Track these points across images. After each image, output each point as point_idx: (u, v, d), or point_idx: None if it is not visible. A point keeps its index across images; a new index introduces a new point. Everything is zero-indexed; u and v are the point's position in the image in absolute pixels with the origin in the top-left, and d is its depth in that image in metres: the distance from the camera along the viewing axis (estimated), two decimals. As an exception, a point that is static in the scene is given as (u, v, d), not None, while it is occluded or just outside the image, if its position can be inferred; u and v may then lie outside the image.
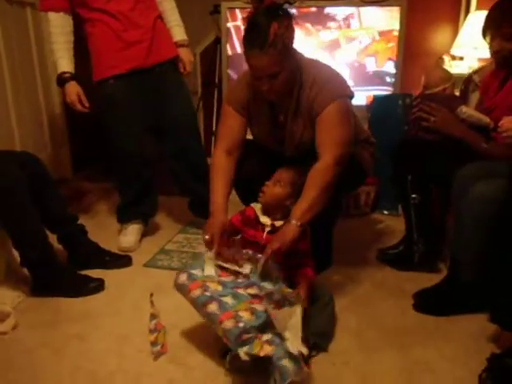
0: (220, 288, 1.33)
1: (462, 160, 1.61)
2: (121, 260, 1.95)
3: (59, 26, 1.93)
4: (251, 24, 1.41)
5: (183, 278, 1.37)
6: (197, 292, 1.31)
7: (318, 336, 1.38)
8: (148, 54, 1.96)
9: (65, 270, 1.77)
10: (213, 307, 1.27)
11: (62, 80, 1.97)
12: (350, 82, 2.22)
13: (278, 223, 1.48)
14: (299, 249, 1.48)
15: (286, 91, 1.53)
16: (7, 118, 2.57)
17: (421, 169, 1.79)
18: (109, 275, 1.83)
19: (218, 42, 3.04)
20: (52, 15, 1.92)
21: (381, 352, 1.42)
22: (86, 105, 1.99)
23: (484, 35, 1.70)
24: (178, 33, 2.12)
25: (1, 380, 1.31)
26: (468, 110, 1.74)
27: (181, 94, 2.11)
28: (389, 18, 2.77)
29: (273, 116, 1.65)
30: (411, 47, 2.82)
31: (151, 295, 1.50)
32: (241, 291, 1.33)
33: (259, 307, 1.26)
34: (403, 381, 1.31)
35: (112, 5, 1.89)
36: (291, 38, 1.45)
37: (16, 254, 1.72)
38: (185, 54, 2.13)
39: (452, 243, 1.63)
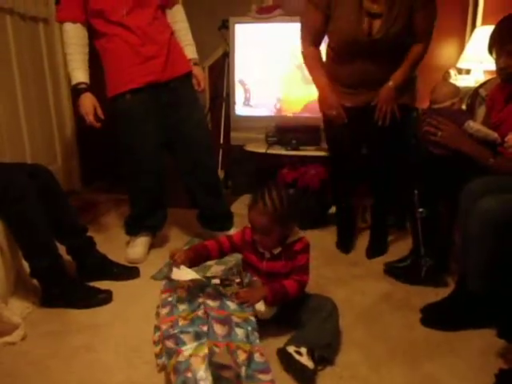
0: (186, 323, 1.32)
1: (469, 175, 1.62)
2: (129, 272, 1.97)
3: (75, 37, 1.93)
4: None
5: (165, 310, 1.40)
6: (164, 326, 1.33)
7: (323, 348, 1.38)
8: (164, 69, 1.97)
9: (74, 282, 1.79)
10: (169, 343, 1.27)
11: (77, 91, 1.96)
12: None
13: (276, 250, 1.51)
14: (296, 265, 1.50)
15: None
16: (18, 131, 2.62)
17: (428, 183, 1.80)
18: (117, 287, 1.84)
19: (226, 56, 3.09)
20: (68, 26, 1.92)
21: (388, 366, 1.41)
22: (102, 117, 1.98)
23: (490, 51, 1.72)
24: (191, 52, 2.16)
25: (10, 390, 1.32)
26: (475, 125, 1.75)
27: (195, 109, 2.12)
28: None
29: (362, 5, 1.88)
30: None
31: (157, 307, 1.51)
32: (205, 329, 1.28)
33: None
34: (411, 396, 1.30)
35: (130, 19, 1.90)
36: None
37: (26, 264, 1.74)
38: (198, 72, 2.17)
39: (459, 257, 1.63)
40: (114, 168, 3.36)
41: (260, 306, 1.44)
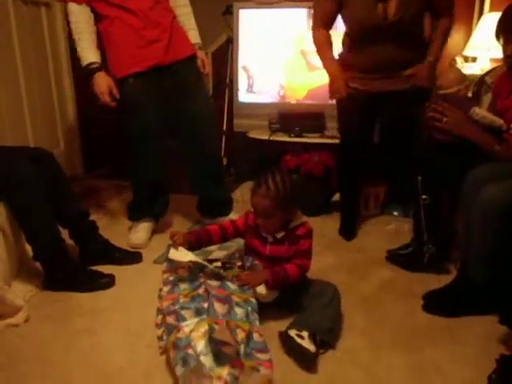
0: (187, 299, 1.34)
1: (474, 161, 1.61)
2: (131, 256, 1.97)
3: (82, 16, 1.90)
4: None
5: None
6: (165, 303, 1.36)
7: (325, 333, 1.38)
8: (166, 52, 1.95)
9: (76, 266, 1.79)
10: (170, 319, 1.30)
11: (89, 71, 1.91)
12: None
13: (279, 234, 1.51)
14: (298, 249, 1.50)
15: None
16: (21, 116, 2.61)
17: (432, 170, 1.79)
18: (119, 271, 1.85)
19: (229, 42, 3.06)
20: (73, 6, 1.89)
21: (389, 351, 1.41)
22: (117, 96, 1.93)
23: (497, 38, 1.69)
24: (194, 36, 2.14)
25: (12, 371, 1.33)
26: (481, 112, 1.73)
27: (199, 93, 2.10)
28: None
29: None
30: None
31: (160, 290, 1.52)
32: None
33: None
34: (412, 381, 1.30)
35: (132, 2, 1.88)
36: None
37: (29, 248, 1.74)
38: (202, 56, 2.14)
39: (462, 244, 1.63)
40: (116, 154, 3.40)
41: (261, 289, 1.45)
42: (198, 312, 1.26)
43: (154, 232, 2.24)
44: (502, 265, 1.41)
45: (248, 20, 2.93)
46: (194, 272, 1.41)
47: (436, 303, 1.63)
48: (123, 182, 2.97)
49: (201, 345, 1.17)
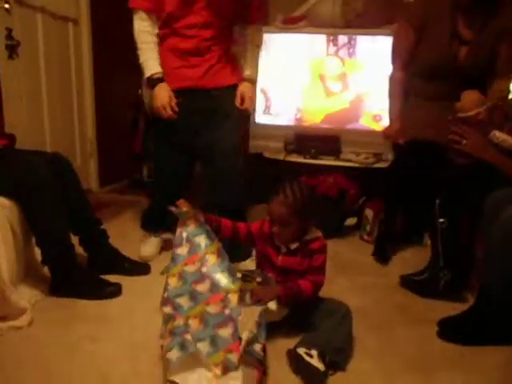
0: (180, 284, 1.31)
1: (493, 185, 1.58)
2: (140, 267, 1.95)
3: (148, 26, 1.86)
4: None
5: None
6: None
7: (335, 352, 1.33)
8: (203, 77, 1.90)
9: (84, 272, 1.77)
10: (167, 309, 1.30)
11: (152, 81, 1.87)
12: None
13: (293, 245, 1.49)
14: (312, 265, 1.47)
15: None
16: (41, 129, 2.66)
17: (450, 192, 1.75)
18: (126, 281, 1.82)
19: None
20: (141, 13, 1.85)
21: (401, 377, 1.35)
22: (176, 109, 1.87)
23: None
24: (248, 70, 2.04)
25: (13, 373, 1.30)
26: (501, 135, 1.71)
27: (227, 121, 1.95)
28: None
29: (455, 30, 1.89)
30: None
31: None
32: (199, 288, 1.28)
33: (213, 309, 1.23)
34: (425, 408, 1.24)
35: (195, 31, 1.85)
36: None
37: (38, 252, 1.73)
38: (246, 89, 1.99)
39: (481, 269, 1.57)
40: (132, 170, 3.43)
41: (272, 305, 1.40)
42: (193, 296, 1.26)
43: (166, 243, 2.17)
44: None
45: (268, 43, 2.98)
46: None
47: (451, 330, 1.56)
48: (136, 197, 3.00)
49: (198, 330, 1.19)
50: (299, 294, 1.43)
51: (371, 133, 3.03)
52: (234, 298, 1.24)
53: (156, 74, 1.87)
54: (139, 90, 2.55)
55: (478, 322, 1.53)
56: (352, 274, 2.07)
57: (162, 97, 1.85)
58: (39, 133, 2.64)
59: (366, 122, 3.06)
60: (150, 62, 1.87)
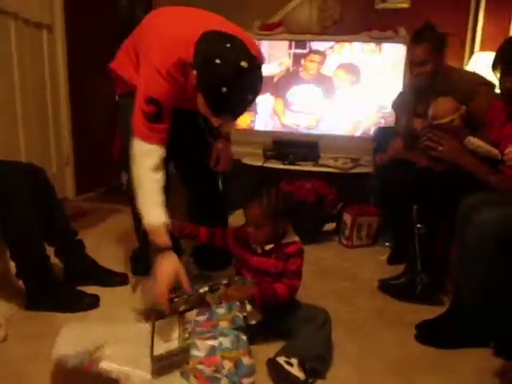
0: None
1: (470, 190, 1.60)
2: (117, 278, 1.91)
3: (149, 160, 1.47)
4: None
5: None
6: None
7: (315, 360, 1.33)
8: None
9: (60, 284, 1.74)
10: None
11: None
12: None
13: (268, 247, 1.51)
14: (288, 269, 1.49)
15: None
16: (15, 137, 2.60)
17: (427, 199, 1.78)
18: (104, 292, 1.79)
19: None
20: (144, 145, 1.47)
21: (381, 381, 1.37)
22: (186, 286, 1.42)
23: (494, 70, 1.72)
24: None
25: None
26: (476, 141, 1.74)
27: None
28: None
29: None
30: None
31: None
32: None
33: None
34: (404, 412, 1.25)
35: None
36: None
37: (12, 265, 1.69)
38: (223, 148, 1.85)
39: (456, 272, 1.60)
40: (109, 178, 3.38)
41: (247, 307, 1.40)
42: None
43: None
44: (497, 292, 1.38)
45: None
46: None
47: (429, 333, 1.59)
48: (114, 206, 2.96)
49: None
50: (274, 296, 1.44)
51: (349, 138, 3.07)
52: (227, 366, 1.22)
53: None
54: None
55: (453, 325, 1.55)
56: (331, 278, 2.08)
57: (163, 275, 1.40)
58: (13, 141, 2.58)
59: (344, 128, 3.09)
60: (147, 209, 1.46)
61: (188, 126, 1.74)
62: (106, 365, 1.22)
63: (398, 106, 2.44)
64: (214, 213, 1.93)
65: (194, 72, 1.34)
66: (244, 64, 1.30)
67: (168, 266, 1.40)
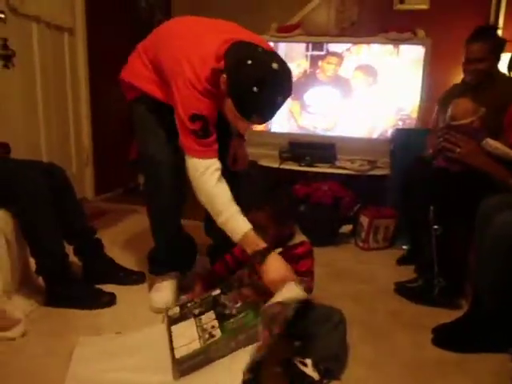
0: None
1: (487, 192, 1.59)
2: (134, 277, 1.94)
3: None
4: None
5: None
6: None
7: (330, 360, 1.33)
8: None
9: (78, 282, 1.77)
10: None
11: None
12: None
13: (276, 251, 1.46)
14: (299, 270, 1.46)
15: None
16: (36, 138, 2.66)
17: (444, 200, 1.76)
18: (121, 290, 1.82)
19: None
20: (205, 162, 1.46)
21: (397, 384, 1.35)
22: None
23: (509, 70, 1.70)
24: None
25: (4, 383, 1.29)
26: (494, 143, 1.72)
27: None
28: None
29: None
30: (436, 82, 2.85)
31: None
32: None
33: None
34: (420, 415, 1.24)
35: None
36: None
37: (33, 262, 1.72)
38: (240, 147, 1.86)
39: (474, 275, 1.58)
40: (127, 180, 3.43)
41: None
42: None
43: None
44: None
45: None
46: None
47: (446, 337, 1.57)
48: (132, 206, 2.99)
49: None
50: None
51: (366, 140, 3.05)
52: None
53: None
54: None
55: (471, 328, 1.53)
56: (347, 281, 2.07)
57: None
58: (35, 142, 2.64)
59: (361, 130, 3.08)
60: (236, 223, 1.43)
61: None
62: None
63: (444, 101, 2.32)
64: None
65: (224, 76, 1.35)
66: (275, 66, 1.32)
67: (281, 264, 1.38)
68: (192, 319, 1.40)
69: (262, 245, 1.39)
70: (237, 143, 1.84)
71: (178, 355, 1.27)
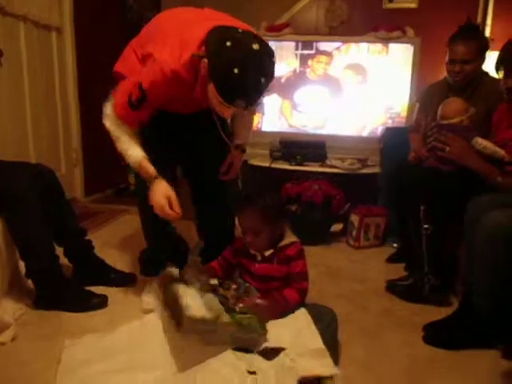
0: None
1: (477, 191, 1.60)
2: (126, 278, 1.92)
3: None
4: None
5: None
6: None
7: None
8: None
9: (69, 285, 1.75)
10: None
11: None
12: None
13: (267, 252, 1.50)
14: (293, 272, 1.47)
15: None
16: (25, 138, 2.63)
17: (434, 199, 1.77)
18: (113, 292, 1.81)
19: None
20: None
21: (390, 383, 1.36)
22: (177, 210, 1.53)
23: (497, 71, 1.72)
24: (243, 134, 1.88)
25: (-6, 389, 1.28)
26: (483, 142, 1.74)
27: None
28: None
29: None
30: (425, 81, 2.86)
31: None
32: None
33: None
34: (412, 413, 1.25)
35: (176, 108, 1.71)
36: None
37: (22, 265, 1.71)
38: (237, 158, 1.86)
39: (464, 274, 1.59)
40: (117, 180, 3.41)
41: None
42: None
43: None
44: (506, 294, 1.37)
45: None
46: None
47: (437, 335, 1.58)
48: (122, 207, 2.98)
49: None
50: (286, 306, 1.42)
51: (356, 138, 3.06)
52: None
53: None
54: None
55: (462, 325, 1.54)
56: (338, 279, 2.08)
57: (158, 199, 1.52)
58: (23, 142, 2.61)
59: (351, 128, 3.09)
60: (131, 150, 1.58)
61: (207, 136, 1.77)
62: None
63: (424, 99, 2.33)
64: (223, 229, 1.93)
65: (205, 60, 1.34)
66: (256, 46, 1.31)
67: (160, 190, 1.52)
68: (197, 289, 1.42)
69: (153, 172, 1.54)
70: (236, 154, 1.85)
71: (188, 313, 1.29)
